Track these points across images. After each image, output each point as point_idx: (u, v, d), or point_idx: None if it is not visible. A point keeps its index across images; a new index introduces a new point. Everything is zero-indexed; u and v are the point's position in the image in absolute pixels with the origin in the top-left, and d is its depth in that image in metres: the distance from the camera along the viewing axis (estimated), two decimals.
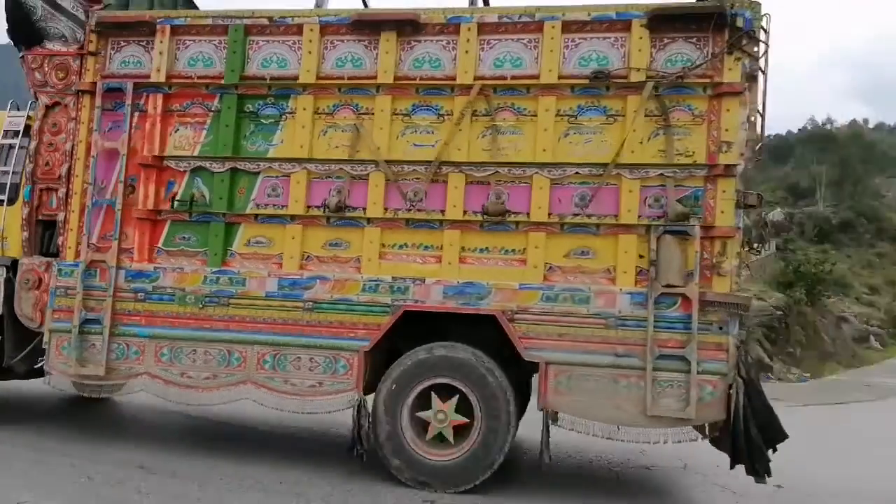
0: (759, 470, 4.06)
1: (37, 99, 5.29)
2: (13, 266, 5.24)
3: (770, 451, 4.08)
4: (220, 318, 4.78)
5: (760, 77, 4.34)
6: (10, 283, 5.23)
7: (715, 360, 4.14)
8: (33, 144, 5.21)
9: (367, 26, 4.76)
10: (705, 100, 4.36)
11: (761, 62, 4.33)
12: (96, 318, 4.92)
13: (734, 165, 4.23)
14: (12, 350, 5.26)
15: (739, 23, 4.30)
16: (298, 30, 4.85)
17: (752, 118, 4.30)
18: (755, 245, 4.36)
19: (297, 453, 5.28)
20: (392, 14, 4.75)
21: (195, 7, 5.87)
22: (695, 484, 5.13)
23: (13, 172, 5.38)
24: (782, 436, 4.12)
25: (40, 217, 5.22)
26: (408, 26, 4.70)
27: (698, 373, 4.13)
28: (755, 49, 4.32)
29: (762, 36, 4.33)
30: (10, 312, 5.19)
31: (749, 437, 4.03)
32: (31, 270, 5.12)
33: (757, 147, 4.32)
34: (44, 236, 5.27)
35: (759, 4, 4.37)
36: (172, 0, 5.79)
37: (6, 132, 5.49)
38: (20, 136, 5.40)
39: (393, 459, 4.43)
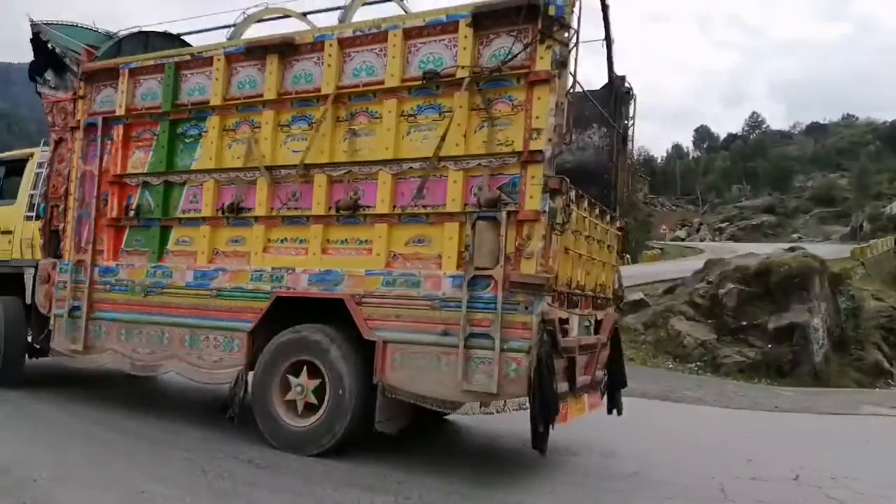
0: (537, 444, 4.17)
1: (49, 137, 6.78)
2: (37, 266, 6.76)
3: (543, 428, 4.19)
4: (157, 304, 5.81)
5: (572, 61, 4.40)
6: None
7: (520, 339, 4.28)
8: (46, 172, 6.71)
9: (258, 51, 5.51)
10: (523, 90, 4.51)
11: (573, 48, 4.40)
12: (79, 306, 6.20)
13: (541, 151, 4.36)
14: (37, 333, 6.76)
15: (552, 11, 4.41)
16: (210, 61, 5.75)
17: (561, 104, 4.38)
18: (562, 227, 4.38)
19: (399, 454, 5.11)
20: (274, 39, 5.46)
21: (187, 45, 7.04)
22: (807, 497, 4.80)
23: (40, 195, 6.93)
24: (554, 411, 4.26)
25: (52, 228, 6.66)
26: (287, 48, 5.38)
27: (503, 350, 4.31)
28: (565, 35, 4.40)
29: (574, 22, 4.40)
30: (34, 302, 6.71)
31: (534, 411, 4.16)
32: (44, 269, 6.57)
33: (563, 132, 4.38)
34: (55, 243, 6.70)
35: None
36: (163, 41, 7.03)
37: (39, 163, 7.08)
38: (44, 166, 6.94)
39: (262, 424, 5.11)
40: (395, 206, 4.90)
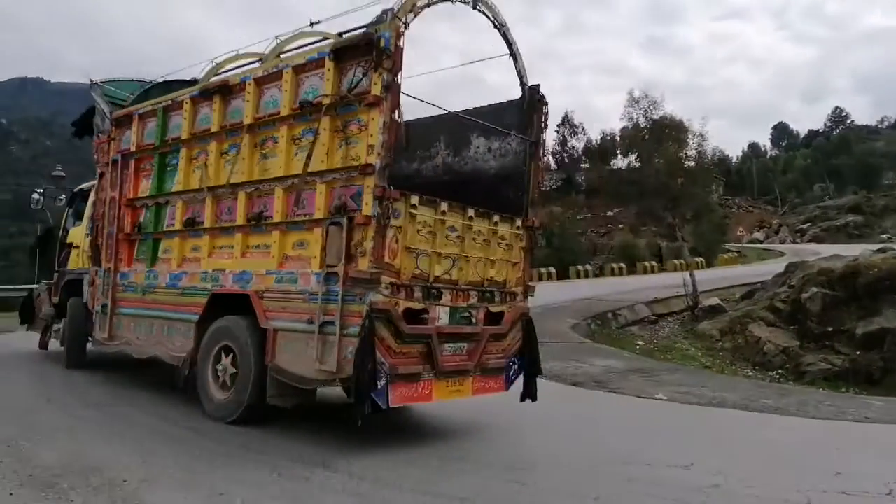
0: (356, 413, 4.96)
1: (97, 171, 8.64)
2: None
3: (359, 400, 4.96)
4: (150, 301, 7.28)
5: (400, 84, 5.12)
6: None
7: (356, 325, 5.03)
8: (93, 199, 8.57)
9: (208, 93, 6.78)
10: (366, 112, 5.27)
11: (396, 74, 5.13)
12: (107, 304, 7.88)
13: (373, 164, 5.10)
14: (90, 326, 8.59)
15: (381, 44, 5.14)
16: (182, 104, 7.12)
17: (387, 123, 5.08)
18: (384, 229, 5.06)
19: (460, 464, 5.07)
20: (217, 83, 6.72)
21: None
22: None
23: (90, 217, 8.84)
24: (369, 387, 4.93)
25: (97, 243, 8.45)
26: (226, 89, 6.60)
27: (343, 335, 5.09)
28: (391, 64, 5.11)
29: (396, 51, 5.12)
30: None
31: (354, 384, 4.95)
32: (91, 275, 8.38)
33: (391, 147, 5.10)
34: (98, 254, 8.48)
35: (402, 24, 5.16)
36: (181, 86, 8.59)
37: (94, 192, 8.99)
38: None
39: (201, 395, 6.31)
40: (286, 216, 5.88)
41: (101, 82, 8.82)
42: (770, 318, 15.12)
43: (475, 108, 7.07)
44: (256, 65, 6.83)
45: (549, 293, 23.26)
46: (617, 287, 25.31)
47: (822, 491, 4.74)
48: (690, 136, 19.87)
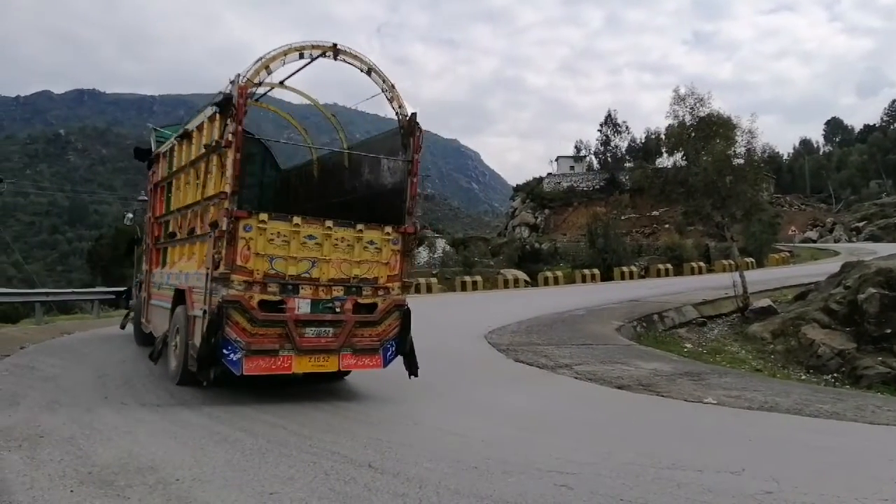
0: (200, 377, 6.78)
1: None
2: None
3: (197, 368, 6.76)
4: (158, 294, 9.52)
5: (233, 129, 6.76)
6: None
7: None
8: (140, 216, 10.22)
9: (182, 137, 8.55)
10: (227, 152, 6.81)
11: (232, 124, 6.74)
12: (145, 296, 10.00)
13: (226, 192, 6.74)
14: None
15: (233, 101, 6.70)
16: (173, 147, 9.18)
17: (234, 160, 6.72)
18: (233, 239, 6.80)
19: (504, 467, 5.02)
20: (181, 132, 8.60)
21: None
22: None
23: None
24: (209, 361, 6.64)
25: (143, 251, 10.34)
26: (187, 135, 8.37)
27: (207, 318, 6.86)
28: (236, 115, 6.71)
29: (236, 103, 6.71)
30: None
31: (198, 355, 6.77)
32: (144, 275, 10.16)
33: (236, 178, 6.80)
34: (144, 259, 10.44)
35: (251, 84, 6.79)
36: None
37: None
38: None
39: (168, 365, 8.12)
40: (202, 231, 7.57)
41: (157, 127, 11.24)
42: (825, 319, 14.59)
43: (375, 136, 9.06)
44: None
45: (592, 295, 23.07)
46: (663, 288, 24.92)
47: (884, 500, 4.56)
48: (739, 134, 19.32)
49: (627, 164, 77.03)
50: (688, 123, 19.71)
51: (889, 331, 13.61)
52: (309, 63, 7.42)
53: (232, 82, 6.66)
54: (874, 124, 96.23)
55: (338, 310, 7.22)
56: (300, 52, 7.02)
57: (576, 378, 9.35)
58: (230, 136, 6.60)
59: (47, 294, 16.76)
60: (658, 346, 14.62)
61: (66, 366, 9.31)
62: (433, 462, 5.09)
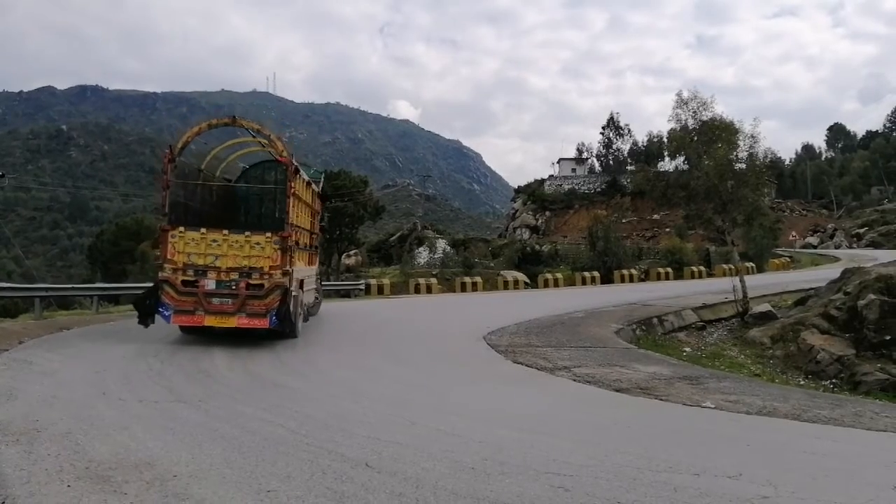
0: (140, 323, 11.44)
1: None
2: None
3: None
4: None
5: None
6: None
7: None
8: None
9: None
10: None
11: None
12: None
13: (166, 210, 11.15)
14: None
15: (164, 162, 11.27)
16: None
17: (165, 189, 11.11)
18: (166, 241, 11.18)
19: (502, 468, 4.99)
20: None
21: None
22: None
23: None
24: (146, 312, 11.30)
25: None
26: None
27: None
28: (167, 163, 11.33)
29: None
30: None
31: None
32: None
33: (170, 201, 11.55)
34: None
35: (179, 151, 11.38)
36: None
37: None
38: None
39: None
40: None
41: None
42: (824, 325, 14.58)
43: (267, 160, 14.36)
44: None
45: (592, 297, 23.05)
46: (663, 292, 24.90)
47: None
48: (741, 138, 19.29)
49: (629, 167, 77.00)
50: (690, 127, 19.70)
51: (888, 337, 13.59)
52: (217, 127, 12.08)
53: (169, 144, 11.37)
54: (877, 130, 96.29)
55: (234, 287, 11.04)
56: (209, 125, 11.69)
57: (574, 380, 9.32)
58: (168, 175, 11.29)
59: (47, 289, 16.73)
60: (657, 350, 14.60)
61: (65, 361, 9.31)
62: (430, 462, 5.08)
